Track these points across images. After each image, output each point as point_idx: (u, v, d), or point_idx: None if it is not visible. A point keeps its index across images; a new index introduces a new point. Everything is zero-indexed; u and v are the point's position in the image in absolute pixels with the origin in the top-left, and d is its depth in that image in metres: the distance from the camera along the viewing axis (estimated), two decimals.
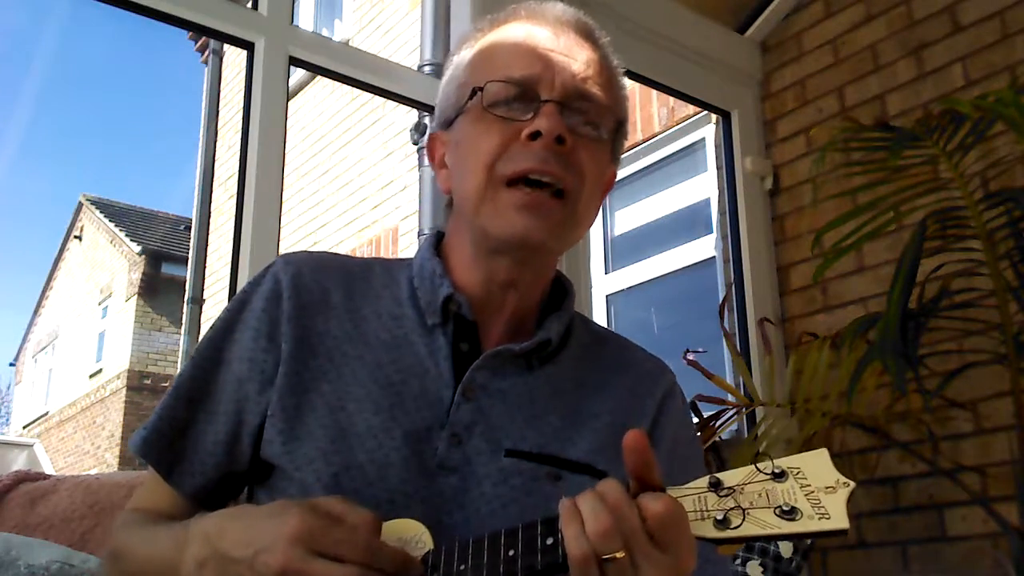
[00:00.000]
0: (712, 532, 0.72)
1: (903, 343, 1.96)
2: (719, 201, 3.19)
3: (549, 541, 0.75)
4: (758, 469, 0.73)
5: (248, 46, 2.06)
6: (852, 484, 0.71)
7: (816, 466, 0.73)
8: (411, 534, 0.84)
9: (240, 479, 1.01)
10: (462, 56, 1.07)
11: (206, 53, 7.77)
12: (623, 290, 3.64)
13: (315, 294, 1.01)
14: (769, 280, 2.86)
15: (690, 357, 2.39)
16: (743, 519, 0.71)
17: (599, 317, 3.57)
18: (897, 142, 2.15)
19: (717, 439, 2.41)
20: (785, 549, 2.06)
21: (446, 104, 1.06)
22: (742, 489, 0.72)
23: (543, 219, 0.96)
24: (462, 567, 0.78)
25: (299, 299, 1.00)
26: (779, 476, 0.72)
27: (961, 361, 2.25)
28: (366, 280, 1.05)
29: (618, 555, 0.71)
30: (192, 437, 0.99)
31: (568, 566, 0.73)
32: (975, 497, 2.16)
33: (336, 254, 1.11)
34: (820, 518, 0.69)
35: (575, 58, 1.02)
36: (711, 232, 3.31)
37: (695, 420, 2.38)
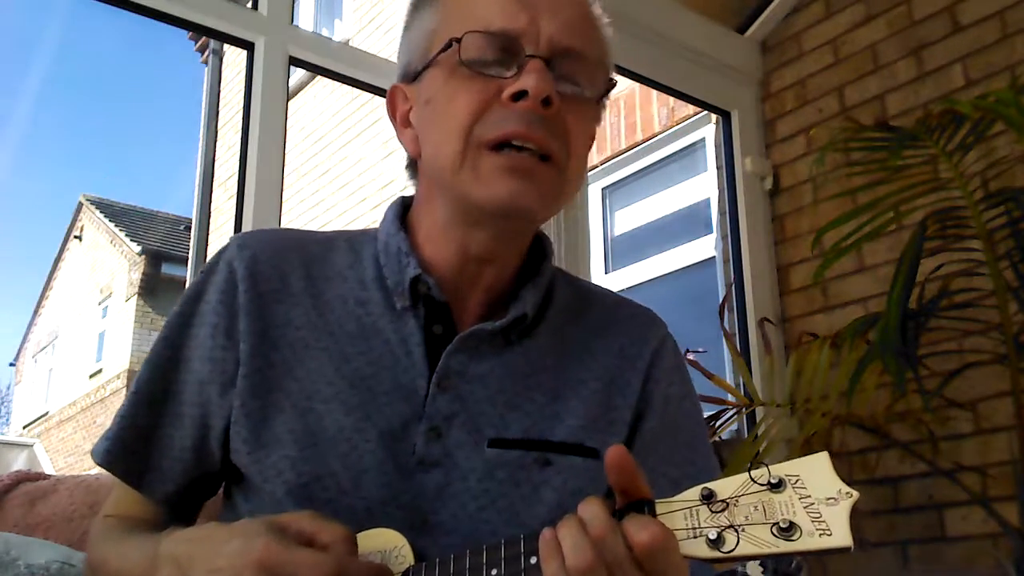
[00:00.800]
0: (705, 552, 0.67)
1: (903, 343, 1.96)
2: (719, 201, 3.19)
3: (533, 560, 0.71)
4: (752, 479, 0.67)
5: (248, 46, 2.06)
6: (855, 495, 0.65)
7: (816, 473, 0.67)
8: (391, 547, 0.80)
9: (214, 478, 0.97)
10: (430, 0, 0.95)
11: (206, 53, 7.77)
12: (623, 290, 3.63)
13: (273, 281, 0.94)
14: (769, 280, 2.86)
15: (690, 357, 2.39)
16: (738, 538, 0.66)
17: None
18: (897, 142, 2.15)
19: (717, 439, 2.42)
20: None
21: (411, 54, 0.95)
22: (736, 502, 0.67)
23: (532, 184, 0.86)
24: None
25: (256, 289, 0.93)
26: (776, 486, 0.67)
27: (961, 361, 2.25)
28: (328, 261, 0.97)
29: None
30: (157, 443, 0.93)
31: None
32: (975, 497, 2.16)
33: (295, 230, 1.02)
34: (821, 535, 0.64)
35: (560, 9, 0.91)
36: (711, 232, 3.31)
37: None
